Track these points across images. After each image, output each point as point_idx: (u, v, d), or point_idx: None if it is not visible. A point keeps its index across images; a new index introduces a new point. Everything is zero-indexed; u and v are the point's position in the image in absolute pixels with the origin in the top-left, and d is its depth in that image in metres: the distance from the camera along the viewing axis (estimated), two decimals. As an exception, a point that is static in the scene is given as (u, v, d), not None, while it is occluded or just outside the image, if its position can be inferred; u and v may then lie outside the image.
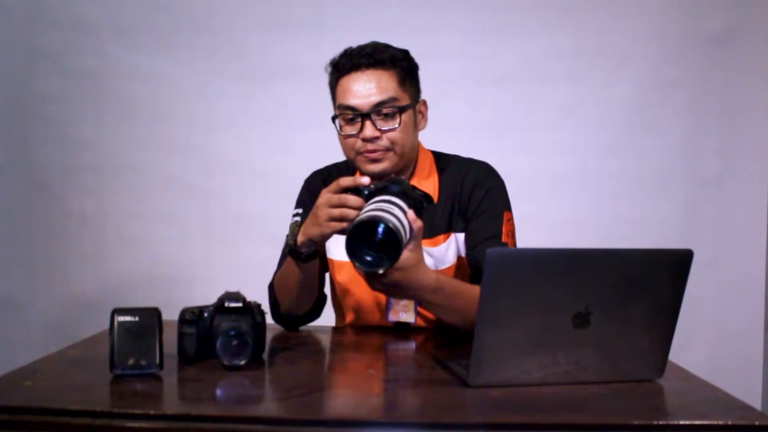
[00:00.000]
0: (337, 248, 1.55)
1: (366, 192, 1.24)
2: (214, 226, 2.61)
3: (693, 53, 2.54)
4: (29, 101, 2.64)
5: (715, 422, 0.96)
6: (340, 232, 1.29)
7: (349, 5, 2.55)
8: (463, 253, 1.54)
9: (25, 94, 2.64)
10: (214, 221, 2.61)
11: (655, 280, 1.09)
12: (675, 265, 1.09)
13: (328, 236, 1.31)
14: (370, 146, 1.46)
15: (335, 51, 1.51)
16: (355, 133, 1.47)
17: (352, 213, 1.23)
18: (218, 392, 1.09)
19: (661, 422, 0.97)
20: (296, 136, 2.53)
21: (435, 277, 1.29)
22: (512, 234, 1.53)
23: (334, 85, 1.52)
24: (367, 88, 1.46)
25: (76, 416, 0.96)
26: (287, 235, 1.40)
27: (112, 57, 2.60)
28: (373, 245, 1.12)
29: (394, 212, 1.15)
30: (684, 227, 2.56)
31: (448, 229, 1.54)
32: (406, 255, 1.18)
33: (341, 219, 1.25)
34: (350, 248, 1.11)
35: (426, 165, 1.58)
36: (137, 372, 1.10)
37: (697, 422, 0.96)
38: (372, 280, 1.22)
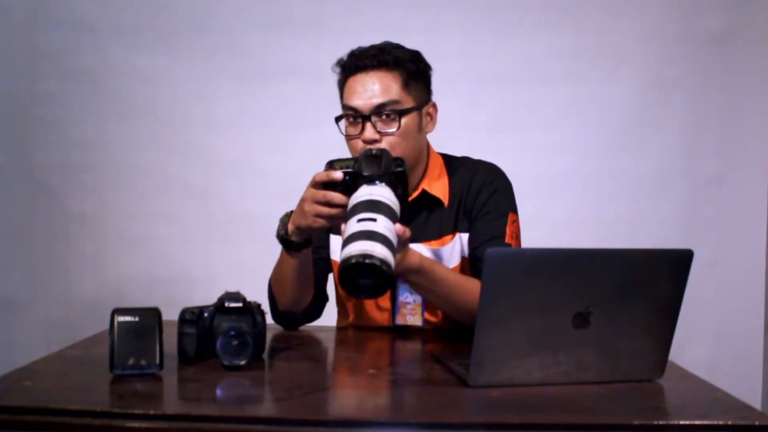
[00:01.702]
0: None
1: (346, 178, 1.23)
2: (214, 226, 2.60)
3: (693, 53, 2.53)
4: (29, 101, 2.64)
5: (715, 422, 0.96)
6: (336, 231, 1.31)
7: (349, 5, 2.55)
8: (467, 254, 1.53)
9: (25, 94, 2.64)
10: (214, 221, 2.60)
11: (655, 280, 1.09)
12: (675, 265, 1.09)
13: (316, 230, 1.33)
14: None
15: (335, 51, 1.50)
16: (356, 134, 1.46)
17: (335, 212, 1.25)
18: (218, 392, 1.09)
19: (661, 422, 0.97)
20: (296, 136, 2.52)
21: (418, 260, 1.33)
22: (516, 236, 1.52)
23: (342, 85, 1.51)
24: (369, 90, 1.45)
25: (76, 416, 0.95)
26: (278, 227, 1.39)
27: (112, 57, 2.60)
28: (366, 275, 1.08)
29: (380, 231, 1.11)
30: (684, 227, 2.56)
31: (454, 230, 1.54)
32: None
33: (329, 217, 1.27)
34: (347, 286, 1.10)
35: (436, 168, 1.57)
36: (137, 372, 1.10)
37: (697, 422, 0.96)
38: None
